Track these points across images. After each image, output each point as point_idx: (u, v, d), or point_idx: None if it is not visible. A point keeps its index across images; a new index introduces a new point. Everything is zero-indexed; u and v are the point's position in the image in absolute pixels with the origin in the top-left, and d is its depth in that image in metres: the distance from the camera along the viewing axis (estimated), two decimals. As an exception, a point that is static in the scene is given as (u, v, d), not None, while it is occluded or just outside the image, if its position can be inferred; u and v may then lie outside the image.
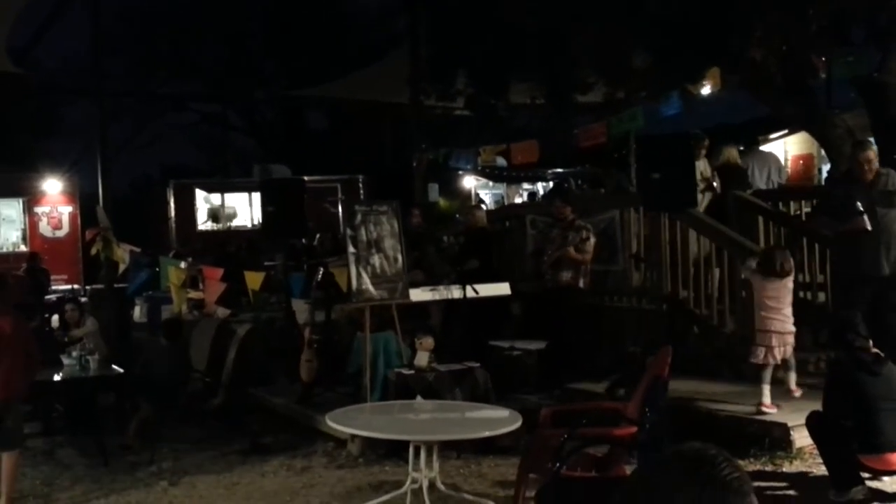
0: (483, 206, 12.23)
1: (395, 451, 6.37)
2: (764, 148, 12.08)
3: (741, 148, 10.33)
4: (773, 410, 6.23)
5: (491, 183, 21.13)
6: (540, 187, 18.87)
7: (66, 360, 7.21)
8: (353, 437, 6.48)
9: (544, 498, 4.04)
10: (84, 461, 6.93)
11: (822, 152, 14.11)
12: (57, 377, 7.07)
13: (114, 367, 7.43)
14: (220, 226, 19.07)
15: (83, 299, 11.27)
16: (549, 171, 18.25)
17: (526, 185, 21.06)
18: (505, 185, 20.55)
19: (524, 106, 14.44)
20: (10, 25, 14.13)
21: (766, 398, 6.29)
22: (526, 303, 9.34)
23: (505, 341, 8.34)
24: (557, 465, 4.09)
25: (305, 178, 14.21)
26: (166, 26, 21.25)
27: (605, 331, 8.76)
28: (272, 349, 9.26)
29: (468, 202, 20.56)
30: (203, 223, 19.29)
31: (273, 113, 21.98)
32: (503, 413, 5.18)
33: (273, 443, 7.28)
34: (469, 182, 21.48)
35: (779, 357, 6.43)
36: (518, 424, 4.82)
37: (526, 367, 8.07)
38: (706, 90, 11.28)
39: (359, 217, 7.19)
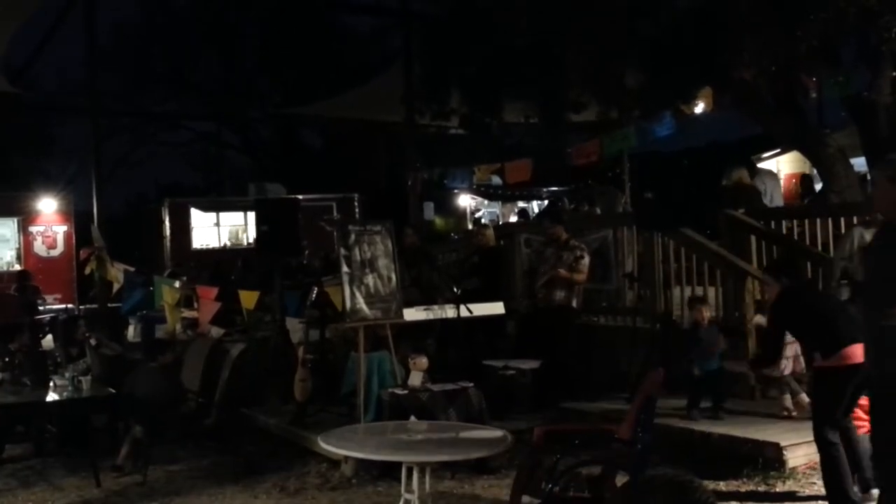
0: (489, 225, 12.27)
1: (389, 472, 6.36)
2: (761, 166, 12.15)
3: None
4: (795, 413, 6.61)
5: (486, 202, 21.17)
6: (535, 205, 18.93)
7: (58, 381, 7.19)
8: (347, 458, 6.46)
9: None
10: (76, 482, 6.88)
11: (815, 171, 14.24)
12: (49, 398, 7.05)
13: (106, 387, 7.40)
14: (215, 245, 19.08)
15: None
16: (545, 190, 18.30)
17: (521, 204, 21.10)
18: (500, 203, 20.60)
19: (518, 125, 14.49)
20: (6, 44, 14.19)
21: (789, 402, 6.69)
22: (520, 322, 9.35)
23: (499, 361, 8.33)
24: (550, 486, 4.08)
25: (300, 196, 14.27)
26: (161, 45, 21.32)
27: (598, 350, 8.76)
28: (266, 369, 9.23)
29: (464, 221, 20.62)
30: (199, 242, 19.30)
31: (268, 131, 22.05)
32: (497, 433, 5.16)
33: (266, 463, 7.25)
34: (464, 201, 21.51)
35: (798, 368, 6.62)
36: (509, 445, 4.81)
37: (520, 387, 8.05)
38: (699, 109, 11.35)
39: (353, 237, 7.21)
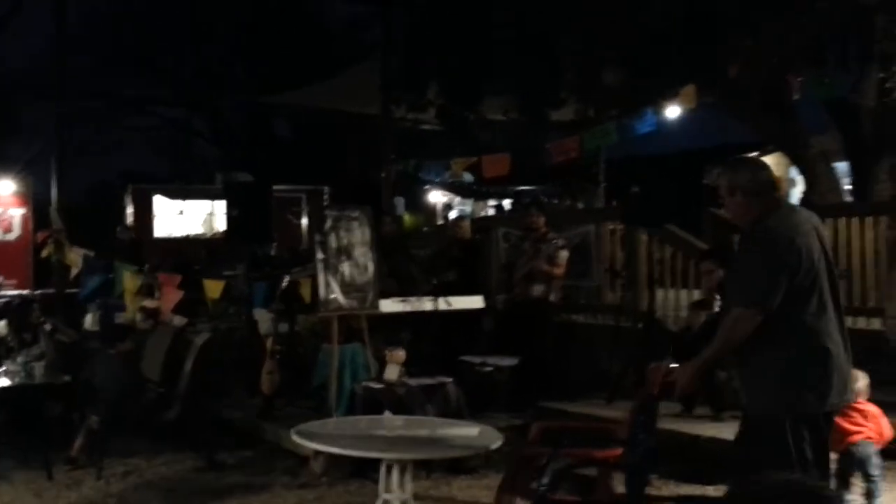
0: (466, 217, 12.00)
1: (361, 471, 6.05)
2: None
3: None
4: None
5: (458, 198, 20.91)
6: (507, 203, 18.68)
7: (9, 366, 6.75)
8: (317, 454, 6.12)
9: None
10: (26, 475, 6.46)
11: (790, 175, 14.12)
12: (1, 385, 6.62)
13: (61, 374, 6.97)
14: (179, 234, 18.56)
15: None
16: (518, 188, 18.07)
17: (492, 202, 20.84)
18: (472, 200, 20.34)
19: (496, 122, 14.23)
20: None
21: None
22: (497, 317, 9.08)
23: (475, 356, 8.04)
24: (542, 486, 3.78)
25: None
26: (133, 27, 20.73)
27: (577, 348, 8.51)
28: (231, 360, 8.85)
29: (434, 217, 20.30)
30: (162, 230, 18.77)
31: (238, 120, 21.55)
32: (480, 430, 4.86)
33: (230, 459, 6.89)
34: (435, 197, 21.22)
35: None
36: (499, 443, 4.50)
37: (497, 384, 7.77)
38: (676, 110, 11.11)
39: (329, 222, 6.87)
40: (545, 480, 3.73)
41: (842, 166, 10.37)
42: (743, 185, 3.66)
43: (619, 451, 4.19)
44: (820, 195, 9.43)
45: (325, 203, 18.36)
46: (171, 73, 21.35)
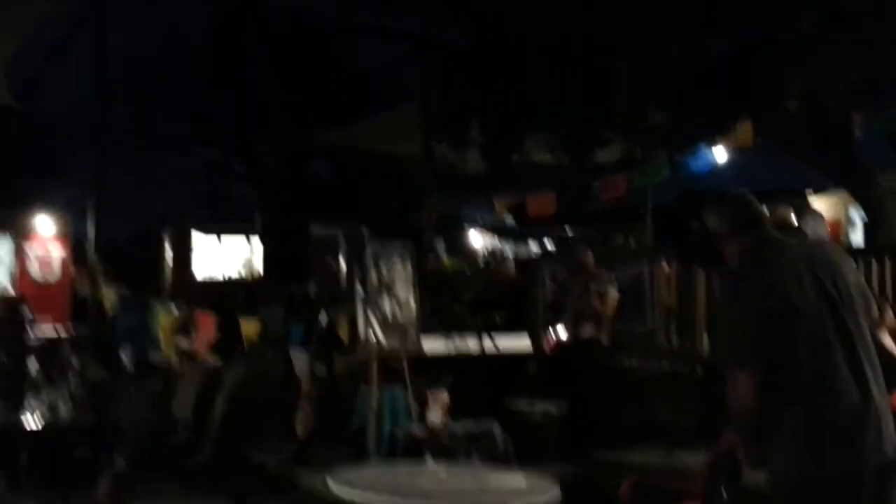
0: (510, 259, 11.67)
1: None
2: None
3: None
4: None
5: (499, 241, 20.54)
6: (550, 246, 18.31)
7: (34, 405, 6.45)
8: (354, 501, 5.69)
9: None
10: (49, 520, 6.14)
11: (850, 216, 13.58)
12: (25, 425, 6.31)
13: (88, 414, 6.66)
14: (218, 276, 18.43)
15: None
16: (562, 231, 17.70)
17: (533, 245, 20.45)
18: (513, 242, 19.96)
19: (541, 165, 13.98)
20: (10, 59, 13.68)
21: None
22: (541, 361, 8.66)
23: (521, 401, 7.61)
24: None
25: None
26: (171, 72, 20.89)
27: (628, 395, 8.04)
28: (265, 402, 8.50)
29: (474, 261, 19.94)
30: (201, 273, 18.66)
31: (273, 162, 21.55)
32: (531, 480, 4.42)
33: (263, 506, 6.51)
34: (476, 240, 20.89)
35: None
36: (557, 497, 4.05)
37: (545, 431, 7.32)
38: (731, 148, 10.72)
39: (370, 256, 6.53)
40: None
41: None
42: (714, 228, 3.23)
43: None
44: (887, 236, 8.91)
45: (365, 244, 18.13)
46: (209, 115, 21.43)
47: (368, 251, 6.53)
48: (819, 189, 12.55)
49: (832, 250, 3.37)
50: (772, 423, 2.95)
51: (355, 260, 6.66)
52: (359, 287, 6.44)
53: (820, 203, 13.66)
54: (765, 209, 3.36)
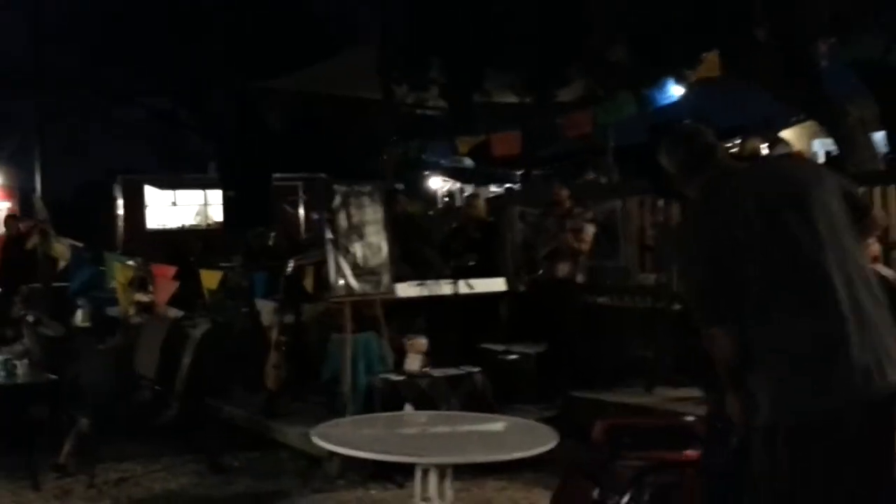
0: (480, 196, 11.38)
1: (382, 472, 5.44)
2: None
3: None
4: None
5: (458, 184, 20.27)
6: (517, 186, 18.08)
7: (-13, 365, 6.11)
8: (332, 455, 5.50)
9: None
10: (9, 485, 5.84)
11: (814, 149, 13.56)
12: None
13: (46, 373, 6.33)
14: (172, 225, 18.00)
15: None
16: (520, 172, 17.44)
17: (493, 188, 20.22)
18: (473, 185, 19.70)
19: (502, 104, 13.64)
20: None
21: None
22: (513, 303, 8.48)
23: (496, 344, 7.45)
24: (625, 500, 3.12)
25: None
26: (112, 19, 20.02)
27: (604, 333, 7.91)
28: (232, 354, 8.22)
29: (434, 205, 19.67)
30: (154, 222, 18.19)
31: (226, 110, 20.84)
32: (530, 427, 4.24)
33: (235, 462, 6.29)
34: (436, 183, 20.58)
35: None
36: (555, 442, 3.88)
37: (523, 373, 7.18)
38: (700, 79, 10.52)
39: (337, 199, 6.25)
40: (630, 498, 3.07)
41: (878, 136, 9.80)
42: (668, 170, 2.99)
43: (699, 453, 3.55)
44: (856, 165, 8.84)
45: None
46: (156, 63, 20.62)
47: (337, 195, 6.22)
48: (784, 123, 12.48)
49: (799, 167, 3.11)
50: (749, 370, 2.72)
51: (321, 205, 6.34)
52: (328, 231, 6.14)
53: (784, 136, 13.60)
54: (717, 141, 3.08)
